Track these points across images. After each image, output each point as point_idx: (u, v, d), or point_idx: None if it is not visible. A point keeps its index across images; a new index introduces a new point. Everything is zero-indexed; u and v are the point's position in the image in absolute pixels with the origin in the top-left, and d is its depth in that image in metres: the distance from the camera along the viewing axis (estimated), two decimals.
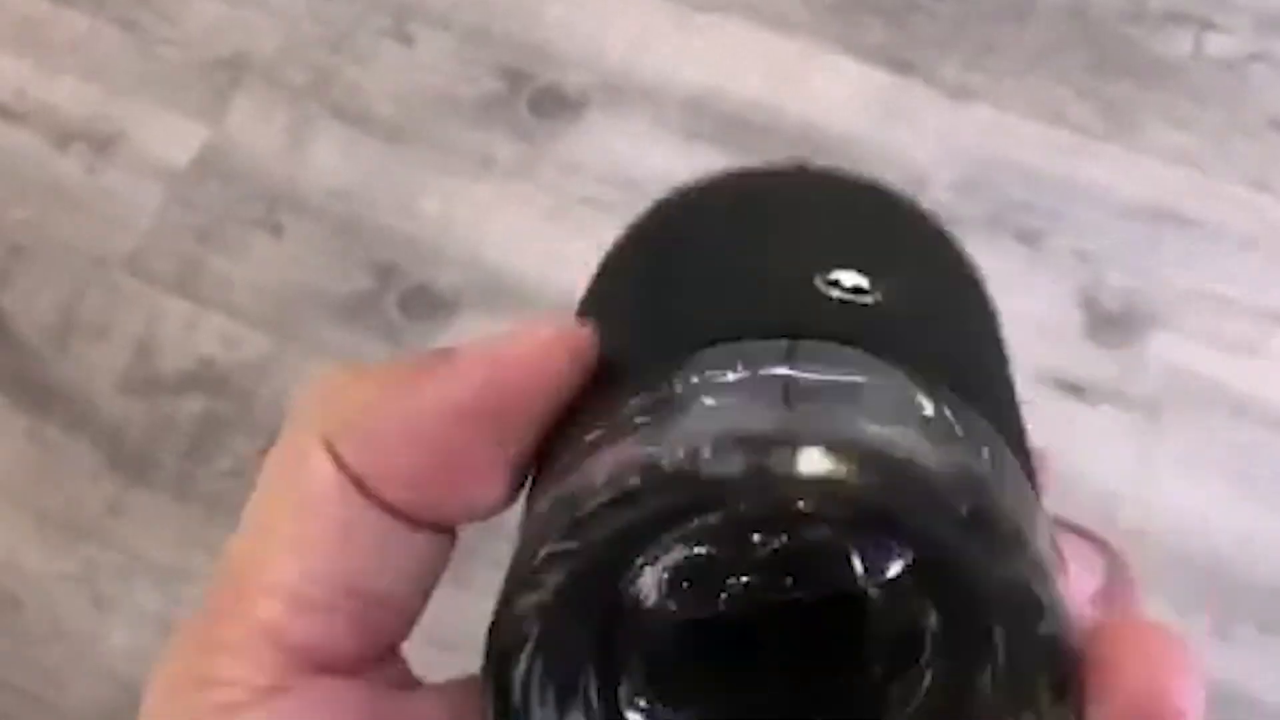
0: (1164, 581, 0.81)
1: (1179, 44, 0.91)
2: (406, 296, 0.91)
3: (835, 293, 0.28)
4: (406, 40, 0.99)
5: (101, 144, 0.98)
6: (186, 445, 0.88)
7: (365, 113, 0.97)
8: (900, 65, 0.91)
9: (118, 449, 0.88)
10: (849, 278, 0.28)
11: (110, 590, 0.84)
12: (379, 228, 0.93)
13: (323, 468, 0.26)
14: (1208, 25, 0.92)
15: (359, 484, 0.26)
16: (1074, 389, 0.85)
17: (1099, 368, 0.85)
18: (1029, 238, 0.88)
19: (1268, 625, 0.79)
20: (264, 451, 0.26)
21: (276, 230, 0.94)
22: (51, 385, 0.90)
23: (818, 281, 0.28)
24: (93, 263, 0.94)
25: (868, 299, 0.27)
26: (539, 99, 0.96)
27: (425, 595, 0.27)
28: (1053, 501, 0.25)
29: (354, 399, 0.27)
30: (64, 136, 0.99)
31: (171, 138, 0.97)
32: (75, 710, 0.82)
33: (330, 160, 0.96)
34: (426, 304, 0.91)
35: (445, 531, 0.27)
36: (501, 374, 0.27)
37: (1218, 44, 0.91)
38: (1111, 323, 0.86)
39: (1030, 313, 0.86)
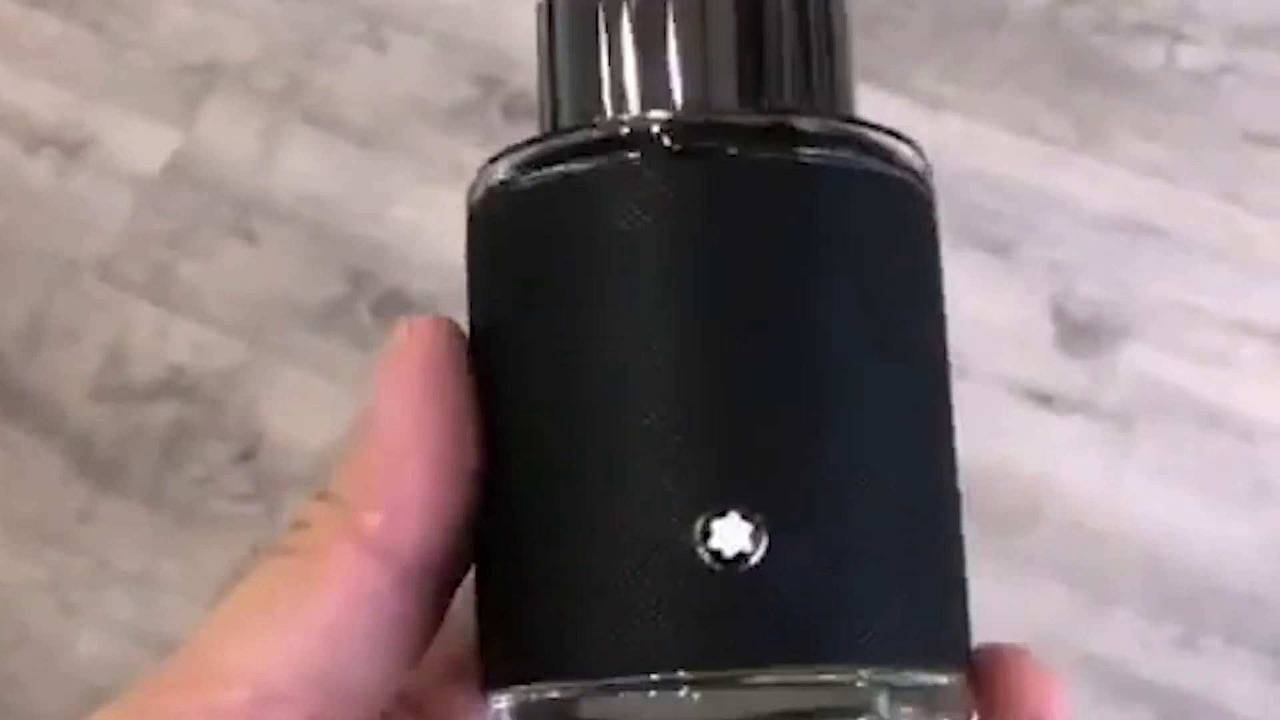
0: (1132, 591, 0.81)
1: (1150, 55, 0.91)
2: (379, 302, 0.91)
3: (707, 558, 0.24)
4: (380, 46, 0.98)
5: (72, 149, 0.98)
6: (157, 452, 0.88)
7: (338, 119, 0.97)
8: (869, 76, 0.87)
9: (87, 455, 0.88)
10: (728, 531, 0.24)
11: (78, 597, 0.84)
12: (352, 235, 0.93)
13: (343, 551, 0.26)
14: (1179, 37, 0.91)
15: (382, 556, 0.26)
16: (1044, 399, 0.85)
17: (1069, 378, 0.85)
18: (1000, 248, 0.88)
19: (1236, 636, 0.80)
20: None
21: (249, 237, 0.94)
22: (21, 390, 0.90)
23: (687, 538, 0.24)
24: (63, 267, 0.94)
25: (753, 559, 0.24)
26: (512, 105, 0.96)
27: (396, 685, 0.27)
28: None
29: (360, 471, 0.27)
30: (34, 141, 0.98)
31: (143, 144, 0.97)
32: (41, 717, 0.81)
33: (303, 166, 0.95)
34: (399, 310, 0.91)
35: (441, 586, 0.27)
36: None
37: (1189, 55, 0.91)
38: (1082, 333, 0.86)
39: (1001, 323, 0.86)
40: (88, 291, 0.93)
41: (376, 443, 0.27)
